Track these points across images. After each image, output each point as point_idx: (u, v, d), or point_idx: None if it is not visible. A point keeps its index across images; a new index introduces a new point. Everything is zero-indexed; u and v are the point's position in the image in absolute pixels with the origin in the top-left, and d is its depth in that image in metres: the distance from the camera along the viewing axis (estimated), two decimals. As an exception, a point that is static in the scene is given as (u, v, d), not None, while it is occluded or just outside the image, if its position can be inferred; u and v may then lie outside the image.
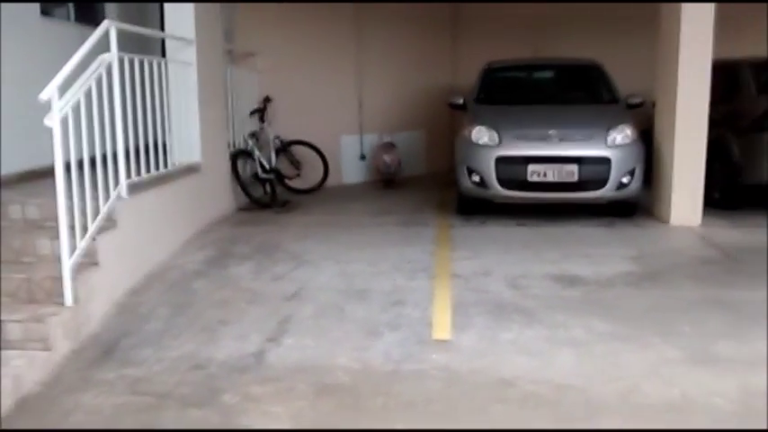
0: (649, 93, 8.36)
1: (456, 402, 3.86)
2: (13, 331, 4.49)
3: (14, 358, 4.33)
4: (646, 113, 8.51)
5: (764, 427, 3.53)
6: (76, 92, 4.81)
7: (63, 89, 4.65)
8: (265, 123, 9.15)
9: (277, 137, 9.30)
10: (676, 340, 4.54)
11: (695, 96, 7.46)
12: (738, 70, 8.64)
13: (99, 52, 5.22)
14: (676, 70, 7.49)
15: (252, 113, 9.06)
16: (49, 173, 6.78)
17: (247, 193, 8.62)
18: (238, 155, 8.58)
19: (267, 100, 9.25)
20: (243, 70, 9.13)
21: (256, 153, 8.81)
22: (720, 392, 3.87)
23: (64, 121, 4.62)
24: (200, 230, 7.30)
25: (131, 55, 5.75)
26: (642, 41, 8.73)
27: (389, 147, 10.77)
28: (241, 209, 8.58)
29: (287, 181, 9.33)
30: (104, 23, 5.30)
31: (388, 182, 10.72)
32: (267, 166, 8.90)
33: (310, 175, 9.61)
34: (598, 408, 3.76)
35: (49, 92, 4.48)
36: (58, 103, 4.56)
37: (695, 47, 7.42)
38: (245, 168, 8.72)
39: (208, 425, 3.71)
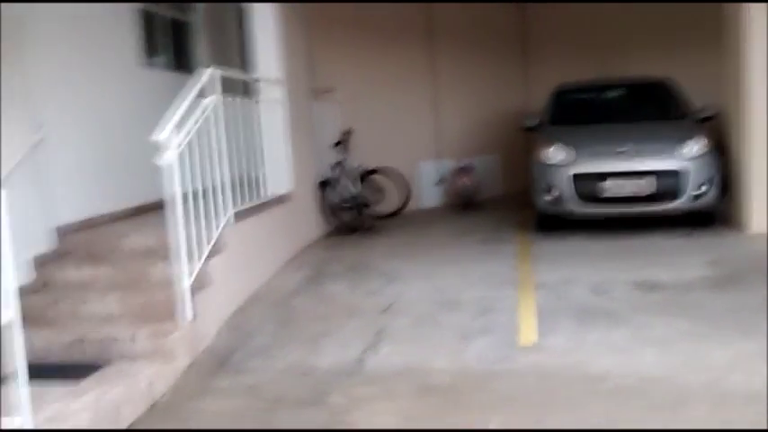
0: (723, 105, 8.51)
1: (550, 396, 4.18)
2: (141, 345, 5.03)
3: (145, 368, 4.86)
4: (721, 125, 8.64)
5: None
6: (190, 131, 5.37)
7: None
8: (347, 153, 9.65)
9: (359, 165, 9.78)
10: (755, 336, 4.74)
11: (765, 105, 7.59)
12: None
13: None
14: (744, 76, 7.66)
15: (335, 145, 9.58)
16: (153, 207, 7.50)
17: (335, 219, 9.14)
18: (325, 184, 9.11)
19: (348, 132, 9.77)
20: (324, 104, 9.68)
21: (341, 182, 9.31)
22: (801, 380, 4.07)
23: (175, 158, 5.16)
24: (295, 254, 7.80)
25: (232, 97, 6.33)
26: (713, 54, 8.89)
27: (467, 170, 11.14)
28: (328, 234, 9.08)
29: (370, 207, 9.78)
30: (209, 71, 5.88)
31: (467, 204, 11.06)
32: (351, 194, 9.38)
33: (391, 200, 10.04)
34: (685, 396, 4.01)
35: (166, 133, 5.05)
36: (175, 141, 5.11)
37: (761, 50, 7.56)
38: (331, 196, 9.23)
39: (319, 423, 4.11)
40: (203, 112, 5.66)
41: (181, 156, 5.22)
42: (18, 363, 3.70)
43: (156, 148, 6.22)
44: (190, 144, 5.41)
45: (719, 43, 8.44)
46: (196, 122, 5.50)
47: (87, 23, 6.88)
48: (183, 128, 5.32)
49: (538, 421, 3.88)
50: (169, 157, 5.07)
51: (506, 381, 4.41)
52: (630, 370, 4.40)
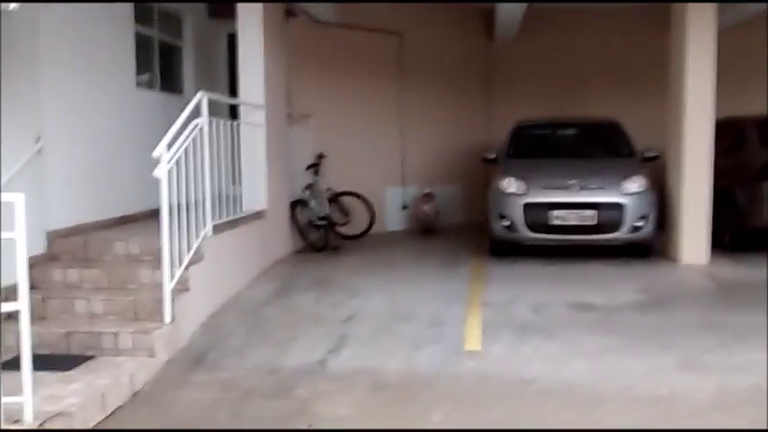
0: (664, 146, 9.32)
1: (486, 394, 4.83)
2: (125, 341, 5.58)
3: (128, 362, 5.43)
4: (662, 165, 9.45)
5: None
6: (178, 149, 5.97)
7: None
8: (319, 176, 10.29)
9: (329, 188, 10.42)
10: (671, 351, 5.46)
11: (700, 148, 8.46)
12: (743, 126, 9.59)
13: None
14: (683, 124, 8.50)
15: (308, 168, 10.22)
16: (136, 218, 8.05)
17: (304, 238, 9.76)
18: (296, 204, 9.74)
19: (321, 156, 10.42)
20: (299, 129, 10.32)
21: (311, 203, 9.94)
22: (702, 390, 4.79)
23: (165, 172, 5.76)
24: (266, 268, 8.39)
25: (217, 119, 6.95)
26: (658, 99, 9.72)
27: (429, 197, 11.83)
28: (298, 251, 9.68)
29: (337, 227, 10.40)
30: (198, 94, 6.53)
31: (428, 230, 11.74)
32: (321, 214, 10.01)
33: (357, 222, 10.67)
34: (601, 399, 4.69)
35: (160, 149, 5.66)
36: (166, 157, 5.72)
37: (699, 101, 8.43)
38: (301, 216, 9.85)
39: (287, 412, 4.69)
40: (191, 133, 6.26)
41: (170, 171, 5.80)
42: (24, 349, 4.27)
43: (141, 164, 6.88)
44: (178, 161, 5.99)
45: (663, 90, 9.29)
46: (184, 141, 6.10)
47: (89, 43, 7.43)
48: (173, 145, 5.91)
49: (472, 415, 4.52)
50: (161, 171, 5.65)
51: (450, 382, 5.05)
52: (558, 377, 5.07)
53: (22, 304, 4.25)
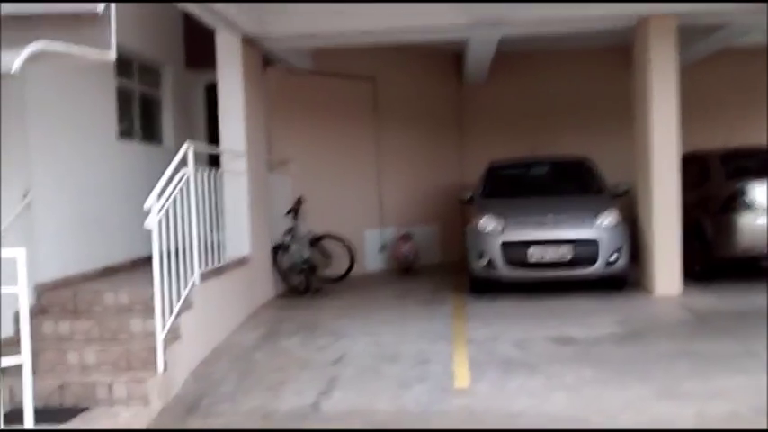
0: (634, 182, 9.67)
1: (475, 429, 4.99)
2: (119, 390, 5.68)
3: (123, 411, 5.53)
4: (632, 200, 9.78)
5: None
6: (167, 200, 6.14)
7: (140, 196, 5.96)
8: (299, 220, 10.47)
9: (309, 232, 10.60)
10: (648, 381, 5.68)
11: (668, 182, 8.81)
12: (709, 160, 9.99)
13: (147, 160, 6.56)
14: (650, 159, 8.85)
15: (288, 212, 10.40)
16: (122, 267, 8.15)
17: (286, 281, 9.91)
18: (278, 248, 9.90)
19: (300, 200, 10.61)
20: (278, 174, 10.53)
21: (293, 247, 10.10)
22: (681, 417, 4.99)
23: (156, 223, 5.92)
24: (251, 313, 8.53)
25: (201, 168, 7.14)
26: (626, 135, 10.11)
27: (407, 238, 12.06)
28: (280, 295, 9.82)
29: (318, 270, 10.56)
30: (185, 146, 6.71)
31: (407, 270, 11.95)
32: (302, 258, 10.17)
33: (338, 264, 10.84)
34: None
35: (151, 201, 5.82)
36: (156, 208, 5.88)
37: (664, 137, 8.81)
38: (283, 260, 10.01)
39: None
40: (178, 183, 6.43)
41: (159, 221, 5.96)
42: (26, 402, 4.37)
43: (124, 214, 6.98)
44: (167, 211, 6.16)
45: (631, 127, 9.67)
46: (173, 192, 6.27)
47: (73, 97, 7.61)
48: (162, 196, 6.07)
49: (465, 449, 4.69)
50: (152, 222, 5.80)
51: (440, 418, 5.21)
52: (542, 410, 5.24)
53: (24, 358, 4.38)
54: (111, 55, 5.54)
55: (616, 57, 12.50)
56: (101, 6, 5.34)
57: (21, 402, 4.40)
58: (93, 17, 5.38)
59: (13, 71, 4.54)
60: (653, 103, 8.87)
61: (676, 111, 8.83)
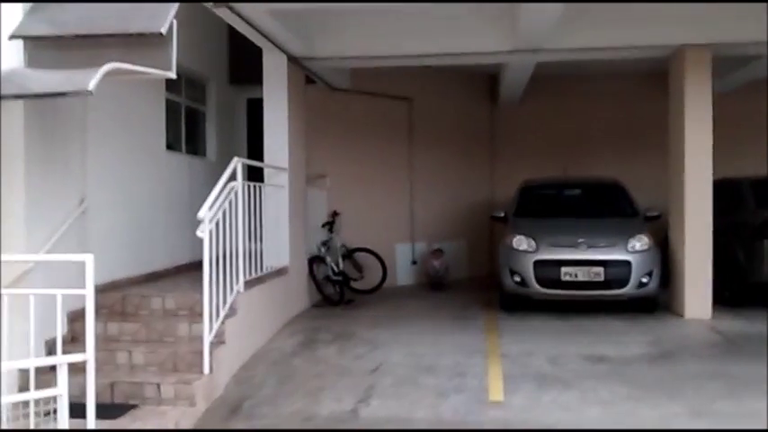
0: (667, 206, 9.79)
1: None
2: (167, 391, 5.93)
3: (170, 410, 5.77)
4: (664, 224, 9.90)
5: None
6: (217, 211, 6.41)
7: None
8: (334, 233, 10.74)
9: (343, 245, 10.85)
10: (680, 400, 5.82)
11: (700, 207, 8.92)
12: (740, 186, 10.09)
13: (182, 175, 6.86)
14: (684, 185, 8.98)
15: (323, 225, 10.67)
16: (165, 274, 8.44)
17: (321, 292, 10.15)
18: (313, 260, 10.15)
19: (335, 214, 10.89)
20: (315, 189, 10.80)
21: (327, 259, 10.35)
22: (713, 436, 5.15)
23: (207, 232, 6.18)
24: (288, 322, 8.77)
25: (247, 182, 7.41)
26: (659, 160, 10.25)
27: (438, 253, 12.25)
28: (314, 305, 10.06)
29: (351, 282, 10.79)
30: (234, 160, 7.00)
31: (437, 284, 12.12)
32: (336, 270, 10.41)
33: (370, 277, 11.06)
34: (618, 444, 5.05)
35: (203, 212, 6.09)
36: (208, 217, 6.15)
37: (698, 163, 8.94)
38: (318, 271, 10.26)
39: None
40: (228, 195, 6.71)
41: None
42: (89, 397, 4.62)
43: (169, 223, 7.21)
44: (217, 220, 6.44)
45: (664, 150, 9.81)
46: (222, 203, 6.55)
47: (128, 109, 7.94)
48: (213, 207, 6.35)
49: (502, 458, 4.87)
50: (204, 231, 6.07)
51: (476, 429, 5.39)
52: (576, 424, 5.41)
53: (88, 355, 4.64)
54: (172, 73, 5.83)
55: (651, 82, 12.64)
56: (165, 26, 5.64)
57: (75, 398, 4.60)
58: (157, 37, 5.68)
59: (90, 88, 4.82)
60: (687, 130, 9.01)
61: (710, 138, 8.96)
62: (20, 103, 5.82)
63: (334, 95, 11.28)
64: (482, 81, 13.96)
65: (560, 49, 9.06)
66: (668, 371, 6.69)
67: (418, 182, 12.72)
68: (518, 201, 10.63)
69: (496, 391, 6.15)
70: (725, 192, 9.82)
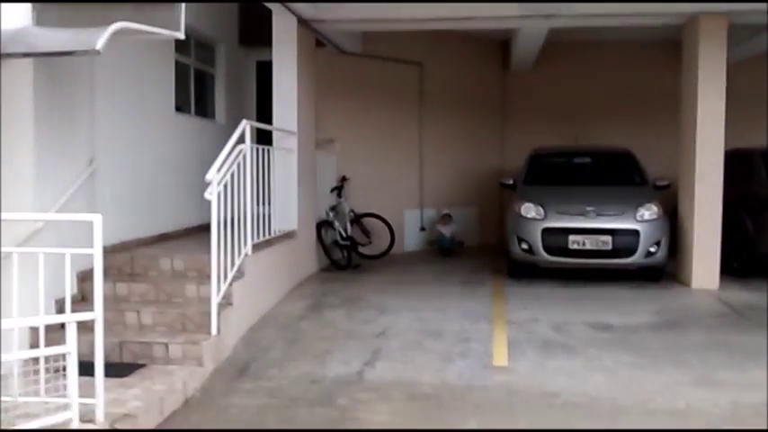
0: (677, 177, 9.74)
1: (515, 405, 5.22)
2: (175, 351, 5.99)
3: (178, 370, 5.83)
4: (673, 193, 9.86)
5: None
6: (225, 173, 6.42)
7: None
8: (342, 198, 10.75)
9: (352, 210, 10.87)
10: (685, 369, 5.85)
11: (711, 177, 8.87)
12: (751, 157, 10.01)
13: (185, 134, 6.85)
14: (695, 154, 8.93)
15: (332, 190, 10.67)
16: (174, 235, 8.47)
17: (329, 256, 10.19)
18: (322, 224, 10.18)
19: (344, 179, 10.89)
20: (324, 153, 10.78)
21: (336, 223, 10.38)
22: (715, 404, 5.17)
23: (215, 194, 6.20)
24: (296, 285, 8.82)
25: (255, 145, 7.40)
26: (671, 129, 10.16)
27: (446, 218, 12.26)
28: (323, 269, 10.11)
29: (359, 247, 10.82)
30: (243, 123, 6.99)
31: (445, 250, 12.15)
32: (344, 234, 10.44)
33: (378, 242, 11.10)
34: (620, 411, 5.08)
35: (211, 174, 6.10)
36: (216, 180, 6.16)
37: (709, 132, 8.87)
38: (326, 236, 10.29)
39: (331, 418, 5.08)
40: (236, 158, 6.71)
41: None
42: (97, 355, 4.69)
43: (178, 185, 7.30)
44: (225, 183, 6.45)
45: (675, 121, 9.72)
46: (230, 166, 6.55)
47: (136, 72, 7.90)
48: (221, 170, 6.35)
49: (504, 423, 4.91)
50: (212, 193, 6.08)
51: (480, 393, 5.44)
52: (580, 390, 5.45)
53: (96, 314, 4.69)
54: (181, 34, 5.80)
55: (663, 50, 12.51)
56: (174, -14, 5.60)
57: (84, 356, 4.66)
58: (167, -3, 5.65)
59: (98, 48, 4.80)
60: (700, 100, 8.92)
61: (722, 107, 8.86)
62: (29, 62, 5.80)
63: (344, 59, 11.19)
64: (494, 47, 13.83)
65: (574, 15, 8.93)
66: (673, 340, 6.71)
67: (428, 147, 12.68)
68: (527, 168, 10.59)
69: (501, 357, 6.20)
70: (735, 162, 9.75)
